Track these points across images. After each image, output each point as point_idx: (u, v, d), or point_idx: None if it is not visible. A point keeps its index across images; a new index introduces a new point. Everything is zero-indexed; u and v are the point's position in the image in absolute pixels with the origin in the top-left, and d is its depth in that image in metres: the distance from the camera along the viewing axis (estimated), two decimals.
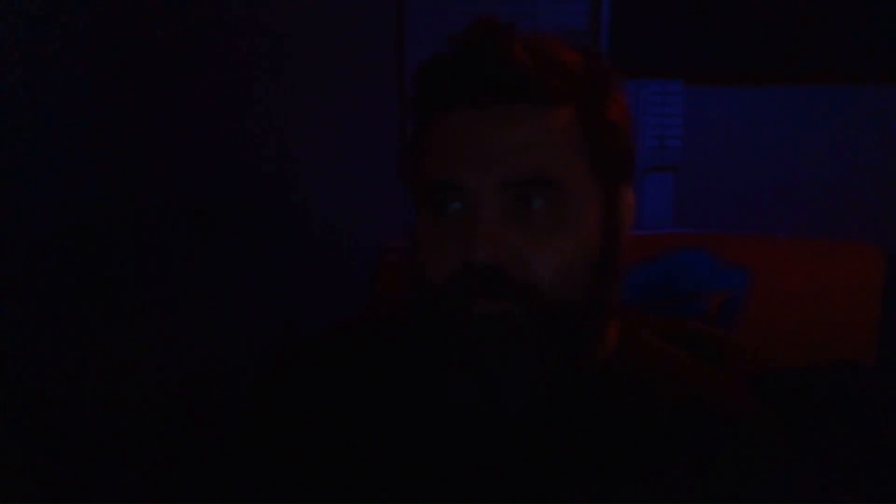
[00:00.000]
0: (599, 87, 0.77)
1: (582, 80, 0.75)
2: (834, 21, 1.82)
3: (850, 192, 1.91)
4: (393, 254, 1.35)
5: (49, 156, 1.61)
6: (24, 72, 1.57)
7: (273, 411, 0.85)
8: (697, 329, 0.93)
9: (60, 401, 1.51)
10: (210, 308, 1.72)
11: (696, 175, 1.99)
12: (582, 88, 0.75)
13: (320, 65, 1.86)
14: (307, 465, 0.80)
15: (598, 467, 0.74)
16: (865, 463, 1.15)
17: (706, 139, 1.98)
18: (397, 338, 0.83)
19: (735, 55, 1.87)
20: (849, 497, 1.04)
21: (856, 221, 1.86)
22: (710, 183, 1.96)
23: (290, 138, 1.86)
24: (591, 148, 0.75)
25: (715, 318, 1.37)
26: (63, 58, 1.62)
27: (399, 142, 1.83)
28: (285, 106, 1.84)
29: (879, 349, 1.36)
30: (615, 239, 0.77)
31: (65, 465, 1.47)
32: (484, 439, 0.75)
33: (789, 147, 1.94)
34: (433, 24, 1.95)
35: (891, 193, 1.90)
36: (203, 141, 1.78)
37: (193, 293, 1.73)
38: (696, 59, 1.89)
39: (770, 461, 0.77)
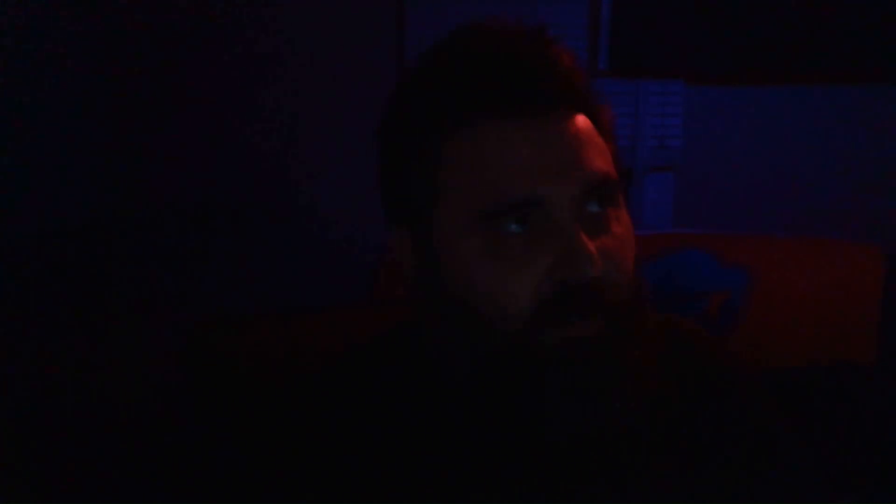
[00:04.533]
0: (595, 91, 0.76)
1: (588, 86, 0.74)
2: (834, 21, 1.83)
3: (850, 192, 1.91)
4: (393, 254, 1.35)
5: (49, 156, 1.61)
6: (24, 72, 1.57)
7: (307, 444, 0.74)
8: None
9: (60, 400, 1.51)
10: (209, 308, 1.72)
11: (696, 175, 1.99)
12: (590, 94, 0.74)
13: (320, 65, 1.86)
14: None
15: (716, 471, 0.75)
16: (865, 463, 1.15)
17: (706, 139, 1.98)
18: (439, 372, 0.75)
19: (735, 55, 1.87)
20: (849, 497, 1.04)
21: (856, 221, 1.86)
22: (710, 183, 1.96)
23: (289, 138, 1.86)
24: (609, 149, 0.74)
25: (715, 318, 1.37)
26: (63, 58, 1.62)
27: None
28: (285, 106, 1.85)
29: (879, 349, 1.36)
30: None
31: (64, 464, 1.47)
32: (592, 463, 0.72)
33: (789, 147, 1.94)
34: (433, 24, 1.95)
35: (891, 193, 1.90)
36: (203, 141, 1.78)
37: (193, 293, 1.73)
38: (696, 59, 1.89)
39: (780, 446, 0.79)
